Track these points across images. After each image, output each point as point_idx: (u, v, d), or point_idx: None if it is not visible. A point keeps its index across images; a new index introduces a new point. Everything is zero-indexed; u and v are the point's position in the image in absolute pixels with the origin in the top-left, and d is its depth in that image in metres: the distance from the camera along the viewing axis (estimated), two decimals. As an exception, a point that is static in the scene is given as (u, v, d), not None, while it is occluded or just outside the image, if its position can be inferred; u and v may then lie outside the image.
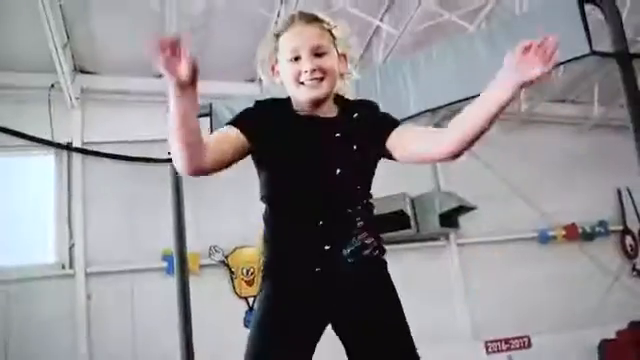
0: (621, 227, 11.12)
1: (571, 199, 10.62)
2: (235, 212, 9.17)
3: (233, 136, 2.28)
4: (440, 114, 10.14)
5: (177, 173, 5.24)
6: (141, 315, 8.40)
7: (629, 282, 10.79)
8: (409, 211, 9.17)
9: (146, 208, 8.50)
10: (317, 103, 2.34)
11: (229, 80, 9.18)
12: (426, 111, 4.41)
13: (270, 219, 2.40)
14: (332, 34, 2.39)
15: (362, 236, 2.34)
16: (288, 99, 2.40)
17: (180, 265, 4.91)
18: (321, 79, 2.30)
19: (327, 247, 2.25)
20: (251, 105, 2.41)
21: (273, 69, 2.43)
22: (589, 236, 10.80)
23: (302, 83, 2.30)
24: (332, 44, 2.38)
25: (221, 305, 8.82)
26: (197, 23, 7.95)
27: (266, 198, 2.45)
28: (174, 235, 5.02)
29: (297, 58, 2.30)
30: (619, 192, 11.17)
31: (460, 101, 4.43)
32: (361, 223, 2.36)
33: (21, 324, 7.99)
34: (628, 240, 11.07)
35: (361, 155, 2.38)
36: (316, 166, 2.29)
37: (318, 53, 2.31)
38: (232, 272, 9.06)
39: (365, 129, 2.39)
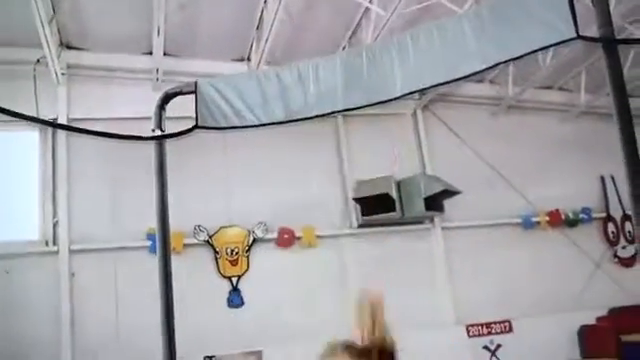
0: (604, 214, 11.23)
1: (555, 185, 10.69)
2: (220, 192, 9.17)
3: None
4: (428, 97, 10.19)
5: (161, 151, 5.22)
6: (124, 292, 8.41)
7: (610, 268, 10.92)
8: (394, 194, 9.18)
9: (131, 186, 8.47)
10: None
11: (217, 59, 9.15)
12: (411, 92, 4.40)
13: None
14: None
15: None
16: None
17: (162, 243, 4.88)
18: None
19: None
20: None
21: None
22: (572, 222, 10.90)
23: None
24: None
25: (205, 284, 8.84)
26: (186, 1, 7.89)
27: None
28: (157, 214, 4.97)
29: None
30: (603, 179, 11.26)
31: (446, 82, 4.43)
32: None
33: (4, 300, 7.97)
34: (610, 227, 11.18)
35: None
36: None
37: None
38: (216, 252, 9.05)
39: None
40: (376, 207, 9.29)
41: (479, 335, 9.73)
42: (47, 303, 8.23)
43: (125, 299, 8.38)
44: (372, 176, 9.34)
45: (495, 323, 9.81)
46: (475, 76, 5.16)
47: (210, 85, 4.81)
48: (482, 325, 9.75)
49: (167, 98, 4.93)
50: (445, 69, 4.26)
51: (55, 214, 8.57)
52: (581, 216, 10.95)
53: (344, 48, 8.94)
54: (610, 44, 4.03)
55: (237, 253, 9.11)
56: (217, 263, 9.06)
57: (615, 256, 11.08)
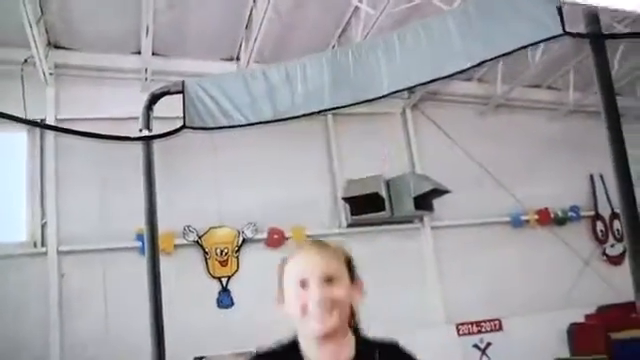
0: (593, 212, 11.27)
1: (544, 184, 10.72)
2: (210, 193, 9.13)
3: None
4: (417, 96, 10.20)
5: (149, 152, 5.19)
6: (114, 293, 8.35)
7: (599, 267, 10.96)
8: (384, 193, 9.18)
9: (120, 187, 8.41)
10: (326, 337, 2.04)
11: (207, 59, 9.12)
12: (398, 91, 4.40)
13: None
14: (346, 258, 2.14)
15: None
16: (294, 343, 2.16)
17: (151, 244, 4.85)
18: (330, 310, 2.01)
19: None
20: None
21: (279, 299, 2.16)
22: (561, 221, 10.93)
23: (308, 314, 2.02)
24: (345, 270, 2.10)
25: (194, 285, 8.80)
26: (174, 0, 7.87)
27: None
28: (145, 215, 4.95)
29: (304, 285, 2.03)
30: (592, 178, 11.30)
31: (433, 81, 4.44)
32: None
33: (-8, 302, 7.93)
34: (599, 225, 11.23)
35: None
36: None
37: (328, 280, 2.03)
38: (206, 252, 9.03)
39: None
40: (365, 206, 9.29)
41: (469, 334, 9.74)
42: (36, 304, 8.17)
43: (115, 300, 8.33)
44: (362, 175, 9.34)
45: (485, 322, 9.82)
46: (463, 74, 5.17)
47: (197, 85, 4.79)
48: (472, 324, 9.76)
49: (154, 98, 4.90)
50: (431, 67, 4.26)
51: (43, 215, 8.52)
52: (570, 214, 10.99)
53: (334, 47, 8.94)
54: (597, 40, 4.04)
55: (227, 253, 9.09)
56: (207, 263, 9.04)
57: (604, 254, 11.13)
